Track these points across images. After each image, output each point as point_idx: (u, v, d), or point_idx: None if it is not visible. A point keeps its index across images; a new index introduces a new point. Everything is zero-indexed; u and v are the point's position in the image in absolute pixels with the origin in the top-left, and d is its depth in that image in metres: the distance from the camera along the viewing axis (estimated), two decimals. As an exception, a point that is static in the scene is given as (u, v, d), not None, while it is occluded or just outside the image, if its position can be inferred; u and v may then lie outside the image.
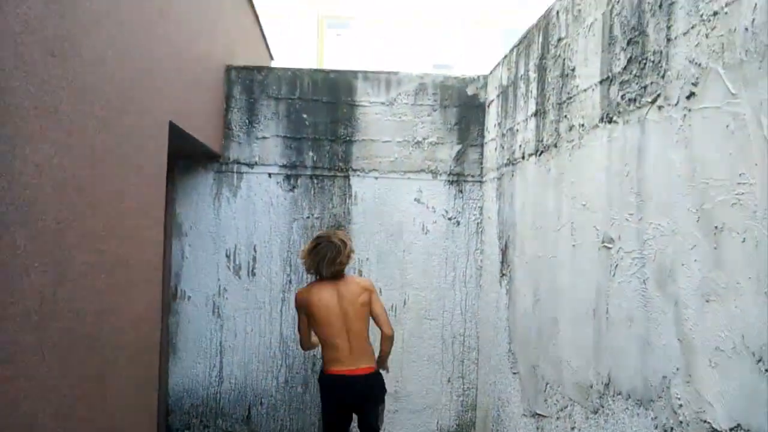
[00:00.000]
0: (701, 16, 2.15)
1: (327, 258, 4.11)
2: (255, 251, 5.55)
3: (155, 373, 3.97)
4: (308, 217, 5.56)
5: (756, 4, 1.87)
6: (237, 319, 5.52)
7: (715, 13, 2.07)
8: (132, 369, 3.48)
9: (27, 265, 2.23)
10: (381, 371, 4.31)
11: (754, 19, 1.88)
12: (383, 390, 4.27)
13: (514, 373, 4.28)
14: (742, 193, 1.91)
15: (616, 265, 2.75)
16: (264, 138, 5.55)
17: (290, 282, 5.54)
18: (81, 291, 2.71)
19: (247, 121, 5.55)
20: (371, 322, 4.23)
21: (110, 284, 3.07)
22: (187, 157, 5.26)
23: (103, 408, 3.04)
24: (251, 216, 5.55)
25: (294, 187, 5.57)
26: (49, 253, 2.40)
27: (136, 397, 3.60)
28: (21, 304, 2.19)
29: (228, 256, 5.54)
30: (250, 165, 5.56)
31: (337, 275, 4.18)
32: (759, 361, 1.81)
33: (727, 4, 2.01)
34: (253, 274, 5.55)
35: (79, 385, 2.74)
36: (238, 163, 5.55)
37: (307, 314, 4.19)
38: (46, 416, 2.43)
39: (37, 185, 2.28)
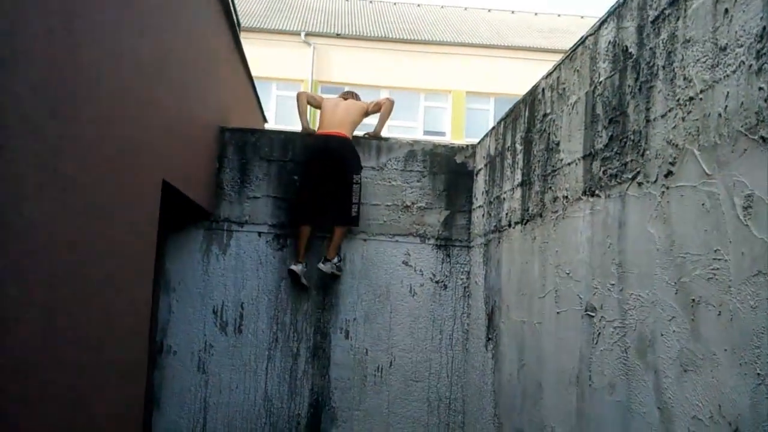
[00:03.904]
0: (678, 100, 2.30)
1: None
2: (242, 308, 5.58)
3: (139, 428, 3.96)
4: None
5: (728, 93, 2.02)
6: (222, 375, 5.51)
7: (691, 99, 2.22)
8: (117, 424, 3.48)
9: (18, 317, 2.27)
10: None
11: (726, 106, 2.02)
12: (355, 155, 5.63)
13: (498, 438, 4.30)
14: (717, 269, 2.02)
15: (599, 334, 2.83)
16: (255, 198, 5.65)
17: (276, 340, 5.56)
18: (69, 343, 2.73)
19: (239, 181, 5.65)
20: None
21: (98, 336, 3.10)
22: (179, 214, 5.34)
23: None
24: (240, 274, 5.60)
25: (283, 247, 5.64)
26: (40, 306, 2.44)
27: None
28: (8, 356, 2.22)
29: (215, 313, 5.56)
30: (241, 224, 5.64)
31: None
32: (735, 430, 1.89)
33: (702, 91, 2.16)
34: (240, 332, 5.57)
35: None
36: (229, 221, 5.63)
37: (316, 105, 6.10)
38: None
39: (31, 241, 2.34)
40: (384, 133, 6.12)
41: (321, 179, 5.60)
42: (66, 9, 2.49)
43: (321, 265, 5.51)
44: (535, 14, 26.69)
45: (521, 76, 18.47)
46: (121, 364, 3.51)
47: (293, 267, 5.50)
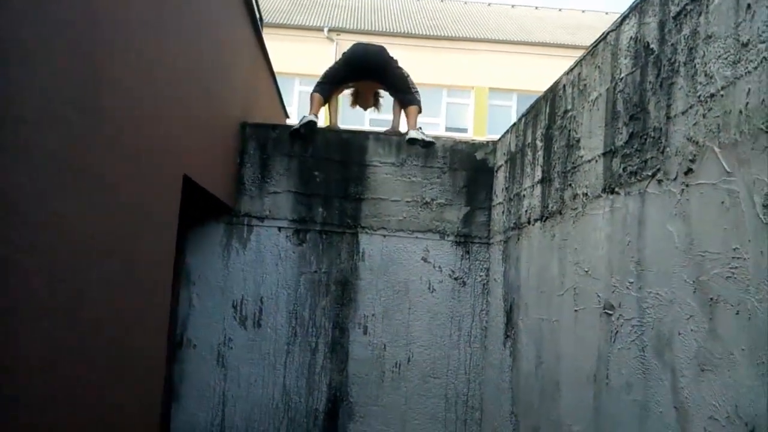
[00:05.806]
0: (699, 97, 2.27)
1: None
2: (262, 303, 5.61)
3: (157, 421, 4.00)
4: (315, 272, 5.64)
5: (749, 89, 1.99)
6: (241, 369, 5.55)
7: (712, 96, 2.19)
8: (137, 415, 3.52)
9: (42, 309, 2.31)
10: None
11: (747, 103, 2.00)
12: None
13: (515, 436, 4.29)
14: (736, 267, 1.99)
15: (616, 332, 2.81)
16: (276, 193, 5.67)
17: (295, 335, 5.58)
18: (91, 336, 2.77)
19: (259, 176, 5.68)
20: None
21: (119, 330, 3.13)
22: (200, 208, 5.37)
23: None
24: (259, 268, 5.63)
25: (303, 242, 5.66)
26: (63, 298, 2.48)
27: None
28: (32, 350, 2.25)
29: (235, 307, 5.60)
30: (261, 218, 5.66)
31: None
32: (752, 430, 1.87)
33: (723, 88, 2.13)
34: (259, 326, 5.60)
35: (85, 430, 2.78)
36: (249, 216, 5.66)
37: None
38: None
39: (55, 236, 2.37)
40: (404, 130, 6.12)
41: (357, 77, 6.24)
42: (87, 2, 2.51)
43: (412, 132, 5.67)
44: (560, 10, 26.53)
45: (544, 73, 18.31)
46: (141, 356, 3.55)
47: (308, 117, 5.74)
